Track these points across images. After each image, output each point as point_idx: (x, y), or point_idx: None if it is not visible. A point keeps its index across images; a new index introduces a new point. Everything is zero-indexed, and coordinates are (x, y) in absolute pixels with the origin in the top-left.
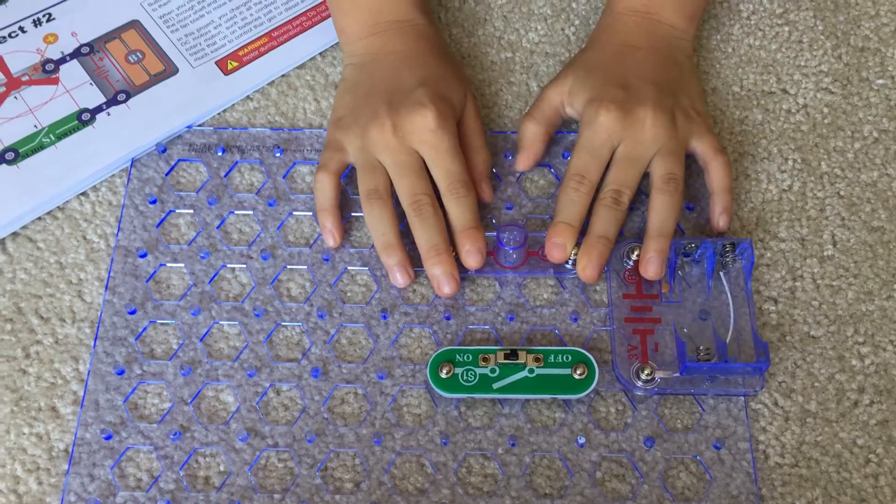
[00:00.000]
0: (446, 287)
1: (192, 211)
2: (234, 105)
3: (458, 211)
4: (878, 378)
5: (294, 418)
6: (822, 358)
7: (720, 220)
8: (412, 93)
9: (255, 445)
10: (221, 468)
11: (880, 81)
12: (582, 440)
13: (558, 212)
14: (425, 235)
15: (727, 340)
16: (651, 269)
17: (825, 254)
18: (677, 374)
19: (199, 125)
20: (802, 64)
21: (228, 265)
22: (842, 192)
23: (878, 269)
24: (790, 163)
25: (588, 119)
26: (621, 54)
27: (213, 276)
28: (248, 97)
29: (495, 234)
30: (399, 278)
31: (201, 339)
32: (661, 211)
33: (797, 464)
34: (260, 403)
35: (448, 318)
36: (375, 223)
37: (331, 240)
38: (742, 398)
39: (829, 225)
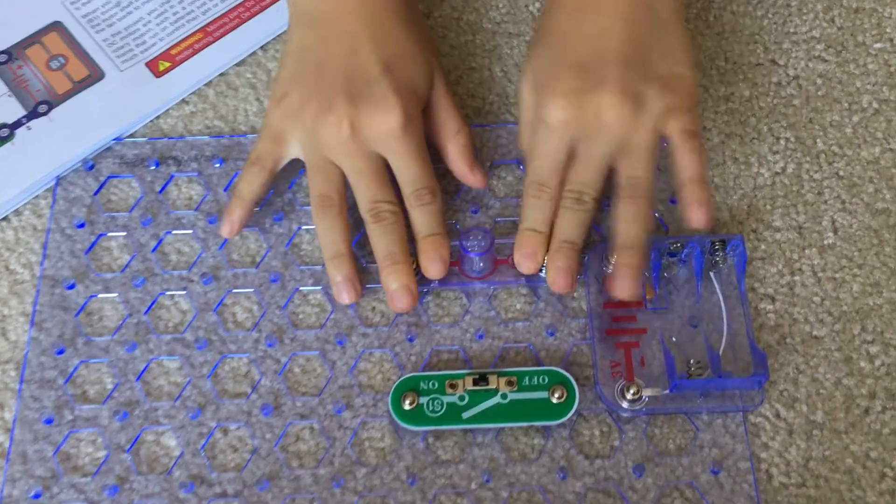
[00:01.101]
0: (401, 301)
1: (124, 233)
2: (167, 111)
3: (423, 218)
4: (890, 381)
5: (244, 461)
6: (826, 361)
7: (694, 215)
8: (375, 83)
9: (202, 495)
10: None
11: (878, 45)
12: (565, 472)
13: (523, 219)
14: (383, 243)
15: (720, 350)
16: (620, 287)
17: (825, 242)
18: (667, 392)
19: (130, 135)
20: (791, 31)
21: (167, 292)
22: (841, 172)
23: (886, 257)
24: (782, 142)
25: (540, 116)
26: (578, 21)
27: (150, 306)
28: (183, 101)
29: (458, 241)
30: (344, 295)
31: (138, 378)
32: (624, 221)
33: (804, 483)
34: (205, 447)
35: (411, 340)
36: (326, 233)
37: (227, 229)
38: (740, 413)
39: (829, 210)
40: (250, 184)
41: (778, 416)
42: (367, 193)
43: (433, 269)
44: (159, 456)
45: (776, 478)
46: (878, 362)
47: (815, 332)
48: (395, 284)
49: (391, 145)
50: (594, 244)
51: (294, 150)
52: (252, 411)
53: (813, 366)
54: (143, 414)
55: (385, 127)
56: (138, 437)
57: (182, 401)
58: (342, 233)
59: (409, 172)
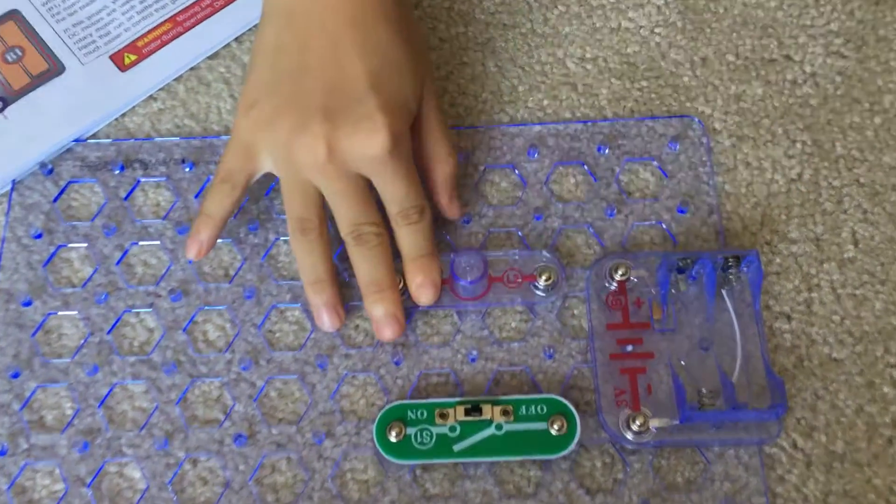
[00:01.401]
0: (388, 331)
1: (86, 244)
2: (133, 108)
3: (410, 238)
4: None
5: (215, 496)
6: (847, 386)
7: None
8: (358, 101)
9: None
10: None
11: None
12: None
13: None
14: (366, 268)
15: (734, 376)
16: (425, 296)
17: (846, 256)
18: (676, 423)
19: (93, 136)
20: (808, 24)
21: (132, 309)
22: (862, 179)
23: None
24: (798, 146)
25: None
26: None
27: (114, 324)
28: (150, 97)
29: (450, 257)
30: (326, 321)
31: (100, 404)
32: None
33: None
34: (173, 480)
35: (398, 363)
36: (305, 257)
37: (194, 251)
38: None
39: (849, 220)
40: (219, 203)
41: (795, 446)
42: (347, 215)
43: (424, 296)
44: (123, 490)
45: None
46: None
47: (834, 355)
48: (380, 312)
49: (375, 168)
50: (596, 259)
51: (266, 165)
52: (224, 440)
53: (832, 391)
54: (105, 443)
55: (369, 152)
56: (100, 469)
57: (148, 429)
58: (322, 256)
59: (395, 192)
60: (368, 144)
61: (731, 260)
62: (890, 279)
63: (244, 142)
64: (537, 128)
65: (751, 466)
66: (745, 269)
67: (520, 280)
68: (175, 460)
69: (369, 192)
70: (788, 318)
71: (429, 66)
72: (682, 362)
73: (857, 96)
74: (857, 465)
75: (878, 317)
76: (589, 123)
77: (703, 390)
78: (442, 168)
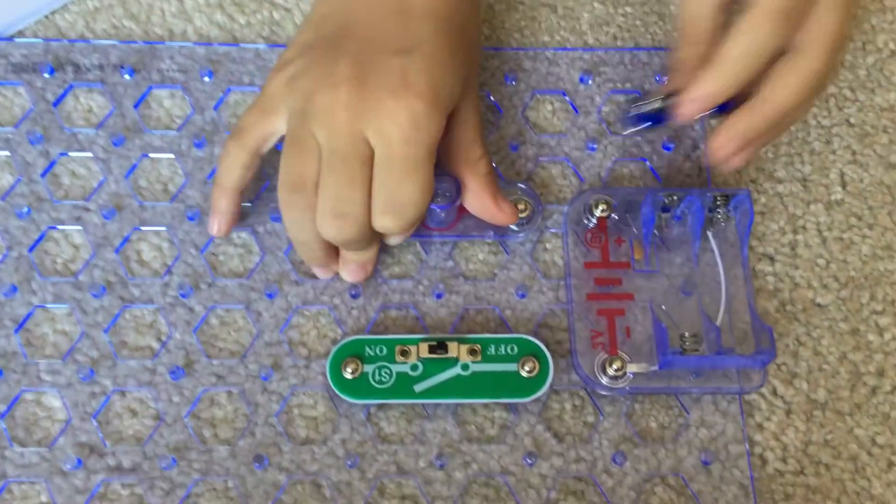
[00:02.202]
0: (355, 275)
1: (7, 152)
2: (66, 5)
3: (355, 254)
4: None
5: (146, 431)
6: (831, 332)
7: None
8: (394, 57)
9: (92, 469)
10: (44, 500)
11: None
12: (532, 456)
13: None
14: (347, 252)
15: (718, 323)
16: (350, 277)
17: (833, 198)
18: (655, 369)
19: (18, 33)
20: None
21: (58, 225)
22: (852, 119)
23: None
24: None
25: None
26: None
27: (37, 241)
28: None
29: None
30: (321, 272)
31: (18, 328)
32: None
33: (803, 470)
34: (99, 413)
35: (355, 296)
36: (296, 228)
37: (215, 227)
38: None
39: (838, 161)
40: (229, 167)
41: (775, 393)
42: (331, 191)
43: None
44: (40, 420)
45: (771, 463)
46: (888, 335)
47: (818, 300)
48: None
49: (392, 137)
50: (574, 194)
51: (282, 126)
52: (158, 371)
53: (815, 338)
54: (21, 370)
55: (393, 109)
56: (16, 399)
57: (71, 357)
58: (313, 224)
59: (392, 185)
60: (394, 101)
61: (719, 199)
62: (878, 223)
63: (267, 97)
64: (512, 52)
65: (729, 413)
66: (733, 210)
67: None
68: (101, 390)
69: (369, 178)
70: (772, 259)
71: (476, 55)
72: (663, 307)
73: (850, 34)
74: (839, 414)
75: (864, 262)
76: (570, 51)
77: (686, 335)
78: (477, 168)
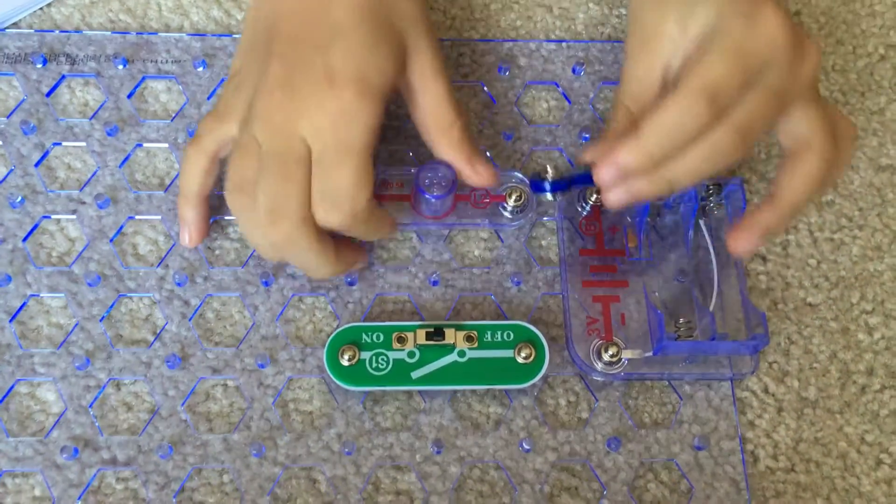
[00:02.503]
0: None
1: (0, 143)
2: None
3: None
4: (890, 356)
5: (141, 423)
6: (821, 331)
7: None
8: (317, 51)
9: (87, 462)
10: (38, 493)
11: None
12: (528, 445)
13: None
14: (297, 264)
15: (711, 307)
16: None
17: (824, 199)
18: (649, 354)
19: (13, 24)
20: None
21: (53, 216)
22: None
23: (889, 219)
24: None
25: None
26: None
27: (31, 231)
28: None
29: (414, 178)
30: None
31: (12, 318)
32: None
33: (793, 468)
34: (94, 404)
35: (351, 284)
36: (246, 230)
37: (186, 237)
38: (728, 382)
39: None
40: (189, 173)
41: (766, 390)
42: (268, 192)
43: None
44: (34, 412)
45: (762, 460)
46: (877, 335)
47: (809, 299)
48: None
49: (322, 134)
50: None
51: (234, 128)
52: (153, 363)
53: (806, 336)
54: (15, 361)
55: (322, 106)
56: (10, 389)
57: (66, 347)
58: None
59: (329, 174)
60: (320, 98)
61: (711, 187)
62: (868, 224)
63: (220, 103)
64: (508, 44)
65: (721, 409)
66: (724, 200)
67: (487, 200)
68: (96, 382)
69: (307, 178)
70: (764, 259)
71: (416, 24)
72: (656, 294)
73: (841, 38)
74: (829, 412)
75: (854, 262)
76: (564, 44)
77: (681, 321)
78: (450, 134)
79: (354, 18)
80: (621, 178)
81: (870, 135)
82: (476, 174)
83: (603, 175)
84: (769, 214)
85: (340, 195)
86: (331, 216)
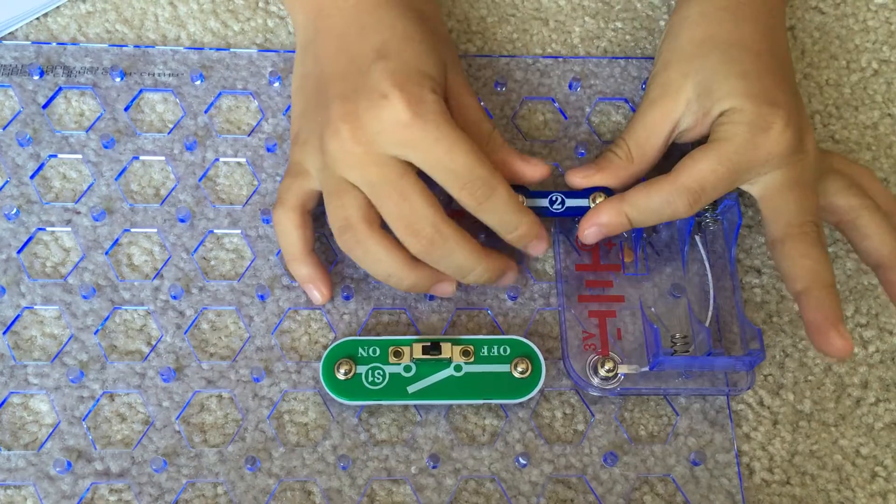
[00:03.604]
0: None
1: None
2: (58, 8)
3: (493, 220)
4: (884, 369)
5: (136, 435)
6: None
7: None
8: (367, 75)
9: (80, 474)
10: None
11: (879, 1)
12: (524, 459)
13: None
14: (451, 269)
15: (707, 323)
16: (535, 250)
17: None
18: (645, 369)
19: (9, 35)
20: None
21: (47, 227)
22: (837, 136)
23: None
24: None
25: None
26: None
27: (26, 243)
28: None
29: None
30: (445, 288)
31: (6, 330)
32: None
33: (789, 480)
34: (88, 416)
35: (347, 298)
36: (369, 264)
37: (317, 295)
38: (724, 397)
39: None
40: (286, 235)
41: (762, 403)
42: (393, 212)
43: (535, 251)
44: (27, 424)
45: (758, 473)
46: (871, 348)
47: None
48: (522, 246)
49: (406, 140)
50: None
51: (315, 182)
52: (148, 375)
53: (801, 349)
54: (9, 372)
55: (390, 118)
56: (4, 401)
57: (60, 359)
58: (388, 252)
59: (443, 165)
60: (386, 112)
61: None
62: None
63: (294, 164)
64: (505, 59)
65: (717, 422)
66: (720, 216)
67: None
68: (90, 394)
69: (419, 183)
70: (759, 272)
71: (448, 43)
72: (652, 309)
73: (835, 53)
74: (824, 424)
75: (849, 276)
76: (560, 59)
77: (677, 335)
78: (493, 139)
79: (397, 27)
80: (602, 234)
81: (863, 148)
82: (532, 167)
83: (587, 235)
84: (835, 296)
85: (474, 170)
86: (483, 189)
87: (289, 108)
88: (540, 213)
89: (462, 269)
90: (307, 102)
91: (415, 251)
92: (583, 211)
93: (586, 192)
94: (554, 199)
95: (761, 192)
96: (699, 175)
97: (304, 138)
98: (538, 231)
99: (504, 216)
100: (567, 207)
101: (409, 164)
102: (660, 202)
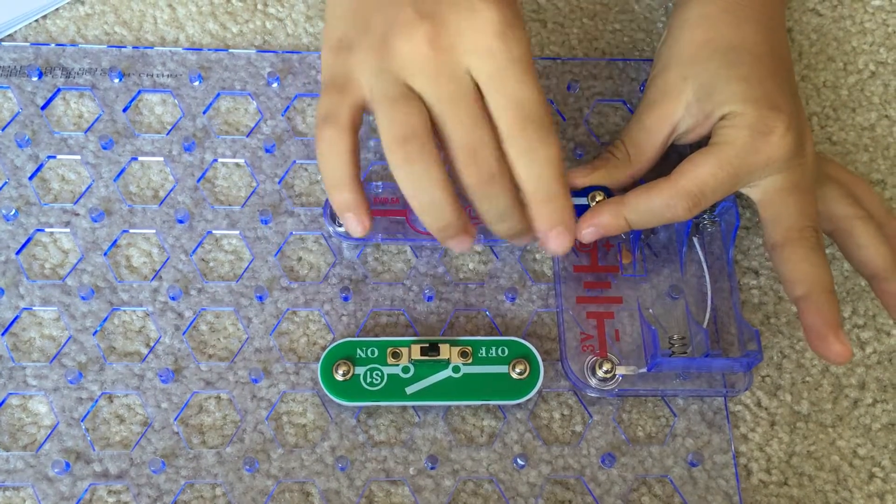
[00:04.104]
0: (554, 245)
1: None
2: (57, 10)
3: (532, 169)
4: (882, 370)
5: (134, 436)
6: None
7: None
8: None
9: (79, 475)
10: None
11: (876, 3)
12: (521, 460)
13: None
14: (493, 211)
15: (704, 324)
16: (557, 244)
17: None
18: (643, 371)
19: (8, 36)
20: None
21: (46, 228)
22: (834, 138)
23: None
24: None
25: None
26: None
27: (24, 244)
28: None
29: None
30: (455, 244)
31: (5, 331)
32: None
33: (786, 481)
34: (86, 417)
35: (346, 299)
36: (419, 185)
37: (358, 227)
38: (722, 398)
39: None
40: (334, 155)
41: (759, 404)
42: (456, 132)
43: (555, 244)
44: (26, 425)
45: (756, 474)
46: (869, 349)
47: None
48: (546, 226)
49: (491, 47)
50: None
51: (366, 85)
52: (146, 376)
53: (799, 350)
54: (7, 374)
55: (480, 23)
56: (2, 402)
57: (58, 361)
58: (442, 182)
59: (510, 93)
60: (477, 16)
61: None
62: None
63: (335, 74)
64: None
65: (714, 423)
66: (718, 217)
67: None
68: (89, 395)
69: (482, 104)
70: (757, 273)
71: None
72: (650, 310)
73: (832, 55)
74: (822, 425)
75: (846, 277)
76: (558, 60)
77: (675, 337)
78: None
79: None
80: (600, 234)
81: (861, 150)
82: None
83: (585, 234)
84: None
85: (537, 108)
86: (540, 134)
87: (287, 108)
88: None
89: (503, 215)
90: (357, 3)
91: (470, 182)
92: (581, 210)
93: (585, 192)
94: None
95: (761, 195)
96: (699, 179)
97: (351, 41)
98: (566, 217)
99: (544, 169)
100: None
101: (476, 88)
102: (659, 205)
